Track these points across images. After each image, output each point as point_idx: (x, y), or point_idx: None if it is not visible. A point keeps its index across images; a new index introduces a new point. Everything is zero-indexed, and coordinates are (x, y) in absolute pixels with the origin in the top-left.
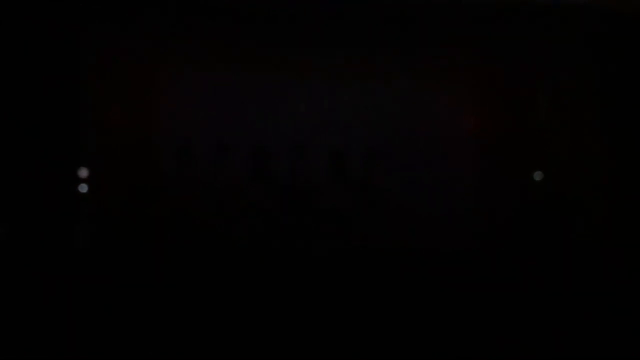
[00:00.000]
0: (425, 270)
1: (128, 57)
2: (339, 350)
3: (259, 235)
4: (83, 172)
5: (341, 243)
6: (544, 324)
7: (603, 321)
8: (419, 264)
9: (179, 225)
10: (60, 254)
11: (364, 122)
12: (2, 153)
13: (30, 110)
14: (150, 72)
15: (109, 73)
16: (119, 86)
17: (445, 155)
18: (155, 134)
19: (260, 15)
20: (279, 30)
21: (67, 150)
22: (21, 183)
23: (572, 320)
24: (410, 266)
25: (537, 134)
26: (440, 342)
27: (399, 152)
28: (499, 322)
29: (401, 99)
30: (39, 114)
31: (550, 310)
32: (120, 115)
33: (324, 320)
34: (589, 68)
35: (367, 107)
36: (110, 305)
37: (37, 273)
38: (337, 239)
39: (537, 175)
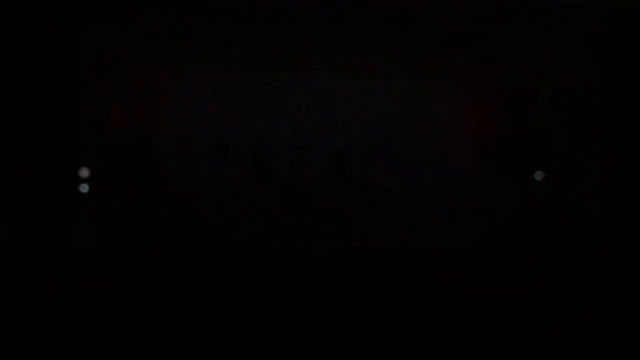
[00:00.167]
0: (425, 270)
1: (128, 57)
2: (339, 349)
3: (259, 235)
4: (84, 172)
5: (341, 243)
6: (544, 324)
7: (603, 321)
8: (419, 264)
9: (179, 225)
10: (60, 254)
11: (364, 122)
12: (2, 153)
13: (30, 111)
14: (150, 72)
15: (109, 73)
16: (119, 86)
17: (445, 155)
18: (155, 134)
19: (260, 15)
20: (279, 31)
21: (67, 150)
22: (22, 183)
23: (572, 320)
24: (410, 266)
25: (537, 134)
26: (440, 342)
27: (399, 152)
28: (498, 322)
29: (401, 99)
30: (39, 114)
31: (550, 310)
32: (120, 115)
33: (324, 320)
34: (589, 68)
35: (367, 107)
36: (111, 304)
37: (37, 272)
38: (337, 239)
39: (538, 175)
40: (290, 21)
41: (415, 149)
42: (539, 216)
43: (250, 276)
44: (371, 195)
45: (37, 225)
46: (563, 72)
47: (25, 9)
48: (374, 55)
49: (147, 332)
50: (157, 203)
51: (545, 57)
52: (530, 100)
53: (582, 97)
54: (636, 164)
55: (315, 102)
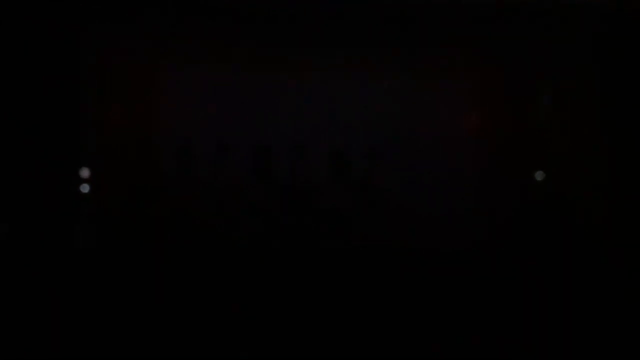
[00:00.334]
0: (425, 270)
1: (128, 57)
2: (339, 349)
3: (259, 235)
4: (84, 172)
5: (341, 242)
6: (544, 324)
7: (603, 321)
8: (419, 264)
9: (179, 225)
10: (60, 254)
11: (364, 122)
12: (2, 153)
13: (30, 111)
14: (150, 72)
15: (109, 73)
16: (119, 86)
17: (445, 155)
18: (155, 134)
19: (260, 15)
20: (279, 31)
21: (67, 150)
22: (22, 183)
23: (572, 320)
24: (410, 266)
25: (537, 134)
26: (440, 342)
27: (399, 152)
28: (499, 322)
29: (401, 99)
30: (39, 114)
31: (551, 310)
32: (120, 115)
33: (325, 320)
34: (589, 68)
35: (367, 107)
36: (111, 304)
37: (37, 272)
38: (337, 239)
39: (539, 175)
40: (290, 21)
41: (415, 149)
42: (539, 216)
43: (251, 276)
44: (371, 195)
45: (37, 225)
46: (563, 72)
47: (25, 9)
48: (374, 55)
49: (147, 332)
50: (157, 203)
51: (545, 57)
52: (530, 100)
53: (582, 97)
54: (636, 164)
55: (315, 102)
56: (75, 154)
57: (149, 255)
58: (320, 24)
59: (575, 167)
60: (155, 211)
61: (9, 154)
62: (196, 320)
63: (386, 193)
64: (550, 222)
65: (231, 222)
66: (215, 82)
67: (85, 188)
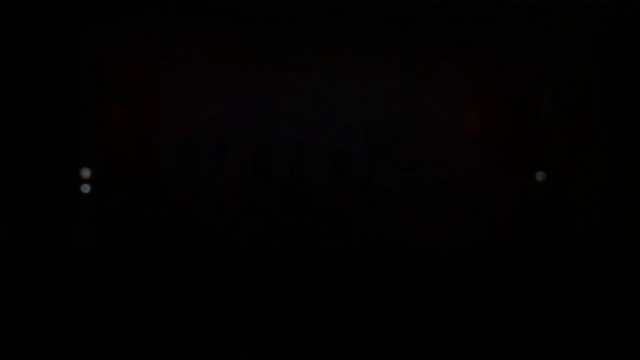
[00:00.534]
0: (425, 270)
1: (128, 57)
2: (340, 349)
3: (259, 235)
4: (85, 173)
5: (341, 242)
6: (544, 324)
7: (603, 321)
8: (419, 264)
9: (179, 225)
10: (60, 254)
11: (364, 122)
12: (3, 153)
13: (30, 111)
14: (150, 72)
15: (109, 73)
16: (119, 86)
17: (445, 155)
18: (155, 134)
19: (260, 15)
20: (279, 31)
21: (68, 150)
22: (22, 183)
23: (573, 320)
24: (410, 266)
25: (538, 134)
26: (441, 342)
27: (399, 152)
28: (499, 322)
29: (401, 99)
30: (39, 114)
31: (551, 310)
32: (120, 115)
33: (325, 320)
34: (589, 68)
35: (367, 107)
36: (111, 304)
37: (38, 272)
38: (337, 239)
39: (539, 176)
40: (290, 21)
41: (415, 149)
42: (539, 216)
43: (251, 276)
44: (371, 195)
45: (37, 225)
46: (563, 72)
47: (25, 9)
48: (374, 55)
49: (147, 332)
50: (157, 203)
51: (545, 57)
52: (530, 100)
53: (583, 97)
54: (637, 164)
55: (316, 102)
56: (75, 154)
57: (149, 255)
58: (321, 24)
59: (576, 167)
60: (156, 211)
61: (9, 154)
62: (196, 320)
63: (386, 193)
64: (550, 222)
65: (231, 222)
66: (215, 82)
67: (86, 188)
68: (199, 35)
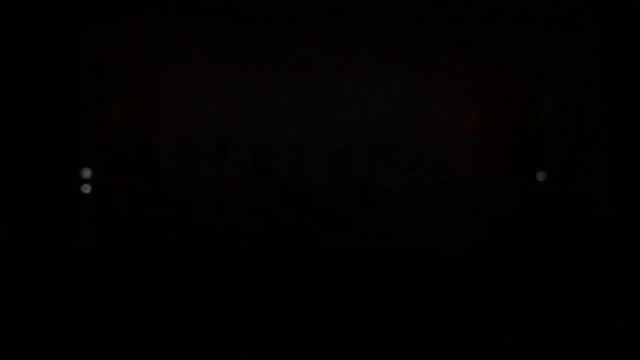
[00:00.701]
0: (425, 270)
1: (128, 57)
2: (340, 349)
3: (259, 235)
4: (86, 173)
5: (341, 242)
6: (544, 324)
7: (604, 321)
8: (419, 264)
9: (179, 225)
10: (60, 254)
11: (364, 122)
12: (3, 153)
13: (30, 111)
14: (150, 72)
15: (109, 73)
16: (119, 86)
17: (446, 156)
18: (155, 134)
19: (261, 15)
20: (279, 31)
21: (68, 150)
22: (22, 183)
23: (573, 320)
24: (410, 266)
25: (538, 134)
26: (441, 341)
27: (399, 151)
28: (499, 322)
29: (401, 99)
30: (39, 114)
31: (551, 310)
32: (120, 115)
33: (325, 320)
34: (590, 68)
35: (367, 107)
36: (111, 304)
37: (38, 272)
38: (338, 239)
39: (540, 176)
40: (290, 21)
41: (415, 149)
42: (540, 217)
43: (251, 276)
44: (371, 195)
45: (37, 225)
46: (564, 71)
47: (25, 9)
48: (374, 56)
49: (148, 332)
50: (157, 203)
51: (546, 57)
52: (530, 100)
53: (583, 97)
54: (638, 163)
55: (316, 102)
56: (75, 154)
57: (150, 255)
58: (321, 24)
59: (576, 167)
60: (156, 211)
61: (9, 154)
62: (197, 320)
63: (386, 193)
64: (550, 223)
65: (231, 222)
66: (215, 82)
67: (86, 188)
68: (199, 35)
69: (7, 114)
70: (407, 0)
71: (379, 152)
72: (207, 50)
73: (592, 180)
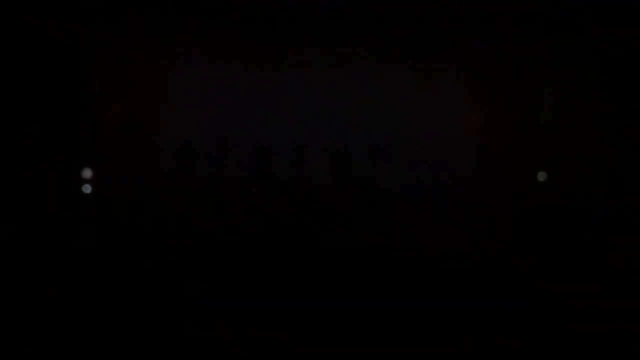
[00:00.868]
0: (425, 270)
1: (128, 57)
2: (340, 349)
3: (259, 235)
4: (87, 173)
5: (342, 242)
6: (544, 324)
7: (604, 321)
8: (419, 264)
9: (179, 224)
10: (61, 254)
11: (364, 122)
12: (3, 154)
13: (31, 111)
14: (150, 72)
15: (109, 73)
16: (119, 86)
17: (446, 155)
18: (155, 134)
19: (261, 15)
20: (279, 31)
21: (68, 150)
22: (22, 183)
23: (573, 320)
24: (411, 266)
25: (538, 134)
26: (441, 342)
27: (400, 151)
28: (499, 322)
29: (401, 99)
30: (39, 114)
31: (551, 310)
32: (120, 115)
33: (326, 320)
34: (590, 67)
35: (367, 107)
36: (111, 304)
37: (38, 272)
38: (338, 238)
39: (541, 176)
40: (290, 21)
41: (415, 149)
42: (540, 217)
43: (251, 276)
44: (371, 195)
45: (37, 225)
46: (564, 71)
47: (25, 9)
48: (374, 56)
49: (148, 332)
50: (157, 203)
51: (546, 57)
52: (530, 100)
53: (583, 97)
54: (638, 163)
55: (316, 102)
56: (75, 154)
57: (150, 255)
58: (321, 24)
59: (577, 167)
60: (156, 211)
61: (9, 154)
62: (197, 320)
63: (386, 193)
64: (551, 223)
65: (231, 222)
66: (215, 82)
67: (87, 188)
68: (199, 35)
69: (7, 114)
70: (407, 0)
71: (379, 152)
72: (207, 50)
73: (592, 181)
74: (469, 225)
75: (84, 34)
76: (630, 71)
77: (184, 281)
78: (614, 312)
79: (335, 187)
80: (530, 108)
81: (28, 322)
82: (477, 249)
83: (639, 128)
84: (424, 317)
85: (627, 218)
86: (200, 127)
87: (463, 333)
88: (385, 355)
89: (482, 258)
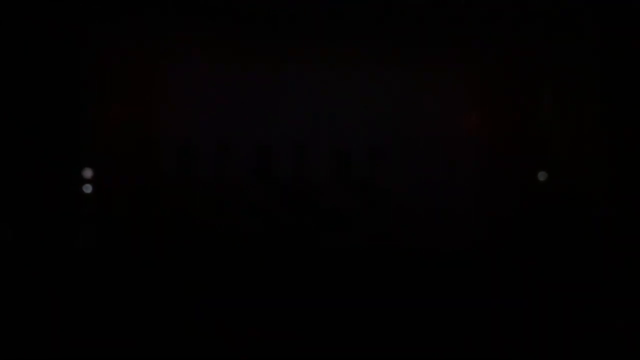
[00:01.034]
0: (425, 270)
1: (128, 57)
2: (340, 349)
3: (259, 235)
4: (87, 173)
5: (342, 242)
6: (544, 324)
7: (604, 321)
8: (419, 264)
9: (180, 224)
10: (61, 254)
11: (365, 121)
12: (4, 154)
13: (31, 111)
14: (150, 72)
15: (109, 73)
16: (119, 86)
17: (446, 155)
18: (155, 134)
19: (261, 15)
20: (279, 31)
21: (68, 150)
22: (23, 183)
23: (574, 320)
24: (411, 266)
25: (538, 134)
26: (441, 342)
27: (400, 151)
28: (499, 323)
29: (401, 98)
30: (39, 115)
31: (551, 310)
32: (121, 115)
33: (326, 320)
34: (590, 67)
35: (368, 107)
36: (113, 303)
37: (39, 272)
38: (338, 238)
39: (541, 176)
40: (290, 21)
41: (415, 149)
42: (540, 216)
43: (251, 276)
44: (372, 195)
45: (38, 225)
46: (564, 71)
47: (25, 9)
48: (374, 56)
49: (148, 332)
50: (157, 203)
51: (546, 57)
52: (531, 100)
53: (583, 97)
54: (638, 164)
55: (316, 102)
56: (75, 154)
57: (150, 254)
58: (321, 24)
59: (577, 167)
60: (156, 211)
61: (10, 154)
62: (197, 320)
63: (387, 193)
64: (551, 222)
65: (231, 222)
66: (215, 82)
67: (88, 188)
68: (199, 35)
69: (7, 114)
70: (407, 0)
71: (379, 152)
72: (207, 50)
73: (592, 180)
74: (469, 225)
75: (84, 34)
76: (630, 71)
77: (184, 281)
78: (614, 312)
79: (335, 187)
80: (530, 108)
81: (28, 322)
82: (477, 249)
83: (639, 128)
84: (424, 317)
85: (627, 218)
86: (200, 127)
87: (463, 333)
88: (385, 355)
89: (482, 258)
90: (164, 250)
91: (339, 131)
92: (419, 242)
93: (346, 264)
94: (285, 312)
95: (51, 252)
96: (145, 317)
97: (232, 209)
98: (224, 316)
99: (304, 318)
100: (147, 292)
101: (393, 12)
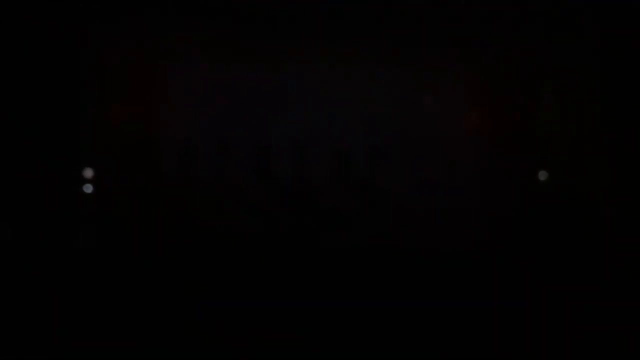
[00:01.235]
0: (425, 270)
1: (128, 57)
2: (340, 349)
3: (259, 235)
4: (88, 173)
5: (342, 242)
6: (544, 324)
7: (604, 321)
8: (419, 264)
9: (180, 224)
10: (61, 254)
11: (365, 121)
12: (3, 154)
13: (30, 111)
14: (150, 71)
15: (109, 73)
16: (119, 86)
17: (446, 155)
18: (155, 134)
19: (261, 15)
20: (279, 31)
21: (67, 150)
22: (23, 184)
23: (574, 320)
24: (411, 266)
25: (539, 134)
26: (441, 342)
27: (400, 151)
28: (499, 323)
29: (402, 98)
30: (39, 115)
31: (551, 310)
32: (121, 115)
33: (326, 319)
34: (590, 67)
35: (368, 106)
36: (113, 304)
37: (39, 273)
38: (338, 239)
39: (542, 176)
40: (290, 21)
41: (415, 149)
42: (541, 216)
43: (251, 276)
44: (372, 194)
45: (37, 225)
46: (564, 71)
47: (25, 9)
48: (375, 55)
49: (148, 332)
50: (158, 203)
51: (546, 57)
52: (531, 100)
53: (583, 97)
54: (638, 164)
55: (316, 102)
56: (75, 154)
57: (150, 255)
58: (321, 24)
59: (578, 167)
60: (156, 211)
61: (9, 154)
62: (196, 320)
63: (387, 193)
64: (551, 223)
65: (231, 222)
66: (215, 82)
67: (88, 188)
68: (199, 35)
69: (7, 114)
70: (407, 0)
71: (379, 152)
72: (207, 50)
73: (592, 180)
74: (469, 225)
75: (84, 34)
76: (630, 71)
77: (184, 281)
78: (614, 312)
79: (335, 187)
80: (530, 108)
81: (28, 322)
82: (477, 249)
83: (639, 128)
84: (424, 317)
85: (627, 218)
86: (200, 127)
87: (463, 333)
88: (385, 355)
89: (482, 258)
90: (164, 250)
91: (339, 131)
92: (419, 242)
93: (346, 264)
94: (285, 312)
95: (51, 252)
96: (145, 317)
97: (232, 208)
98: (224, 316)
99: (304, 318)
100: (147, 292)
101: (393, 12)
